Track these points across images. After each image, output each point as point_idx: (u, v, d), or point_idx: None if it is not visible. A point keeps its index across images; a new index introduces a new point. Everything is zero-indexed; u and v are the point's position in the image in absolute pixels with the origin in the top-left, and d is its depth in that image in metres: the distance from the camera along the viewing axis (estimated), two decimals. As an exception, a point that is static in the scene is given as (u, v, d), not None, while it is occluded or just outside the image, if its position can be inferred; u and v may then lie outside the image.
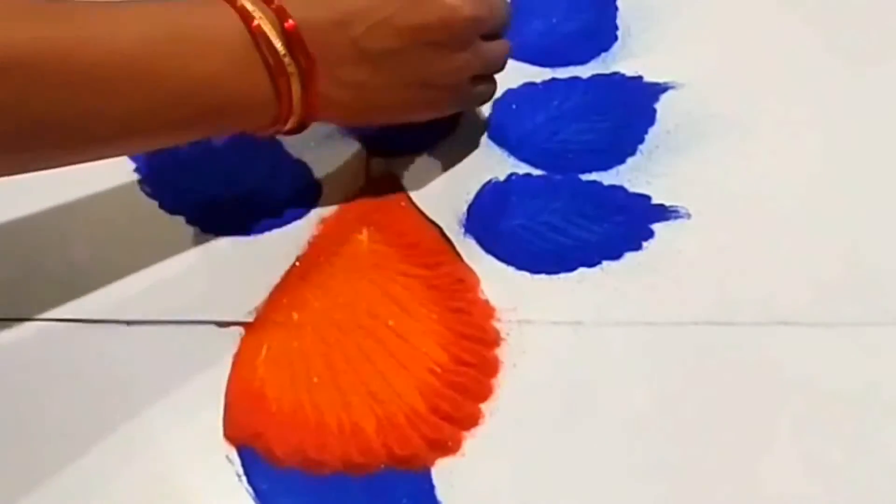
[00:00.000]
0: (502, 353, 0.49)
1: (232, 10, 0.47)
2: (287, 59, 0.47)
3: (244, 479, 0.45)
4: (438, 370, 0.48)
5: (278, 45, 0.47)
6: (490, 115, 0.59)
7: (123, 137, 0.47)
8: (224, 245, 0.53)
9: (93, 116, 0.44)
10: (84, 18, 0.44)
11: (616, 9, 0.65)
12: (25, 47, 0.42)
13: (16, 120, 0.43)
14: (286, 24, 0.47)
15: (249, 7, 0.47)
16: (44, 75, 0.42)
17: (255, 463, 0.46)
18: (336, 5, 0.49)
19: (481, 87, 0.56)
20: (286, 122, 0.49)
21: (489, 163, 0.57)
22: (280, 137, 0.56)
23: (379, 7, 0.49)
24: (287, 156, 0.57)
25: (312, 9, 0.48)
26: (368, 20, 0.49)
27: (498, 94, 0.60)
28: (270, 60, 0.47)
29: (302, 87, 0.48)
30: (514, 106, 0.59)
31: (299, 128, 0.51)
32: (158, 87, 0.45)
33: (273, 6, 0.47)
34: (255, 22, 0.46)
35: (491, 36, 0.54)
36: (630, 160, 0.57)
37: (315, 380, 0.48)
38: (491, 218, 0.54)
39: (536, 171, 0.57)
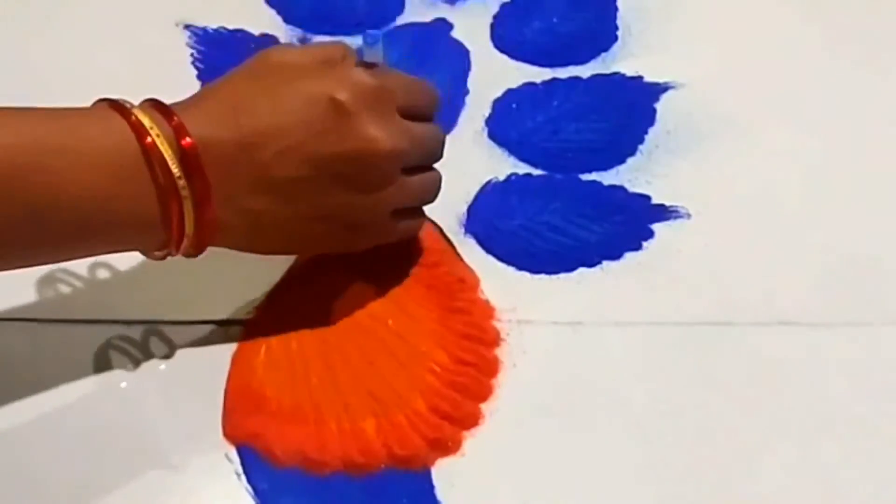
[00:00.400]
0: (502, 353, 0.49)
1: (125, 124, 0.43)
2: (181, 182, 0.43)
3: (244, 478, 0.45)
4: (438, 370, 0.48)
5: (173, 165, 0.43)
6: (490, 115, 0.59)
7: None
8: (224, 245, 0.53)
9: None
10: None
11: (616, 9, 0.65)
12: None
13: None
14: (183, 143, 0.43)
15: (146, 122, 0.43)
16: None
17: (254, 462, 0.46)
18: (243, 125, 0.44)
19: (404, 223, 0.51)
20: (178, 246, 0.45)
21: (489, 163, 0.57)
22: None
23: (289, 131, 0.45)
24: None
25: (216, 128, 0.44)
26: (276, 145, 0.45)
27: (498, 93, 0.60)
28: (161, 180, 0.43)
29: (195, 210, 0.44)
30: (514, 106, 0.60)
31: (194, 252, 0.46)
32: (25, 200, 0.41)
33: (173, 122, 0.43)
34: (149, 139, 0.42)
35: (418, 168, 0.50)
36: (630, 160, 0.57)
37: (315, 380, 0.48)
38: (491, 218, 0.54)
39: (536, 171, 0.57)
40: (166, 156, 0.43)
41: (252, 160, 0.45)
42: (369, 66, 0.48)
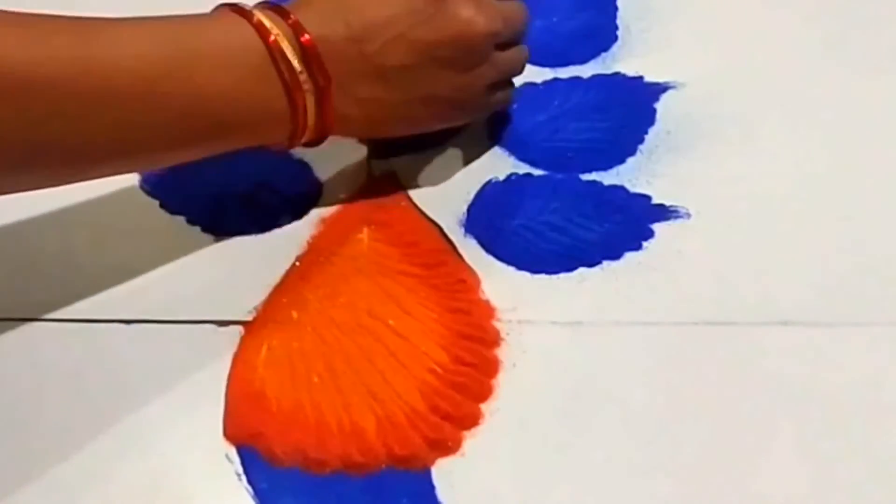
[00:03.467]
0: (502, 353, 0.49)
1: (248, 25, 0.47)
2: (303, 76, 0.47)
3: (244, 478, 0.45)
4: (438, 370, 0.48)
5: (294, 61, 0.47)
6: (490, 114, 0.59)
7: (134, 155, 0.47)
8: (224, 245, 0.53)
9: (103, 135, 0.44)
10: (93, 35, 0.44)
11: (616, 8, 0.65)
12: (32, 67, 0.41)
13: (23, 140, 0.42)
14: (302, 39, 0.47)
15: (267, 22, 0.47)
16: (51, 95, 0.42)
17: (254, 462, 0.46)
18: (351, 21, 0.49)
19: (498, 96, 0.56)
20: (301, 137, 0.49)
21: (489, 163, 0.57)
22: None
23: (393, 23, 0.49)
24: (287, 156, 0.57)
25: (328, 25, 0.48)
26: (383, 36, 0.49)
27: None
28: (287, 76, 0.47)
29: (317, 103, 0.48)
30: (514, 105, 0.60)
31: (316, 142, 0.51)
32: (169, 105, 0.45)
33: (289, 21, 0.47)
34: (272, 37, 0.46)
35: (508, 44, 0.54)
36: (630, 160, 0.57)
37: (315, 379, 0.48)
38: (491, 218, 0.54)
39: (537, 171, 0.57)
40: (288, 53, 0.46)
41: (362, 52, 0.49)
42: None
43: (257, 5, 0.48)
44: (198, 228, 0.54)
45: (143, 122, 0.45)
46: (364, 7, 0.49)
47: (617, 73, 0.61)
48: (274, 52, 0.47)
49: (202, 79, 0.45)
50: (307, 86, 0.47)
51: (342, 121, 0.50)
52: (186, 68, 0.45)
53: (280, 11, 0.48)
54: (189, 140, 0.47)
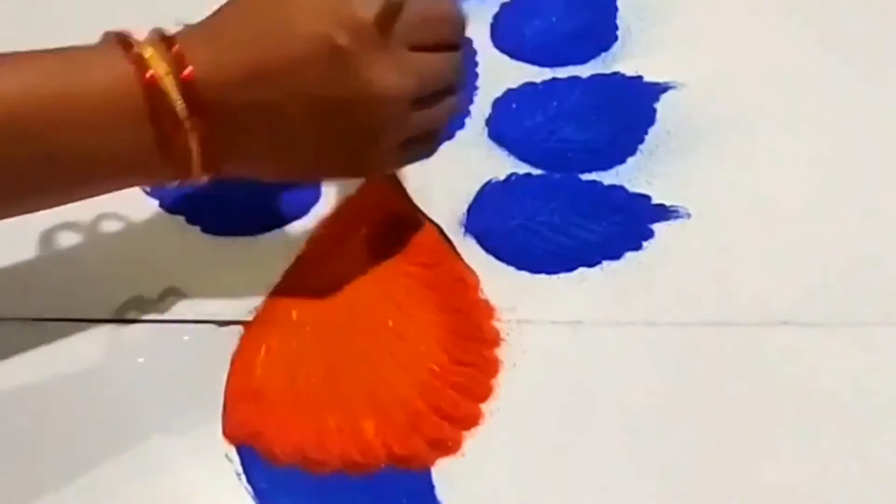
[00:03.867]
0: (502, 353, 0.49)
1: (126, 61, 0.43)
2: (184, 114, 0.43)
3: (243, 477, 0.45)
4: (438, 370, 0.48)
5: (175, 98, 0.43)
6: (490, 115, 0.59)
7: (6, 199, 0.43)
8: (224, 245, 0.53)
9: None
10: None
11: (616, 9, 0.65)
12: None
13: None
14: (183, 75, 0.43)
15: (147, 55, 0.43)
16: None
17: (254, 462, 0.46)
18: (247, 61, 0.44)
19: (415, 151, 0.50)
20: (185, 177, 0.45)
21: (489, 163, 0.57)
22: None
23: (296, 74, 0.44)
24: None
25: (221, 59, 0.44)
26: (283, 88, 0.44)
27: (498, 93, 0.60)
28: (165, 116, 0.43)
29: (200, 145, 0.44)
30: (514, 106, 0.60)
31: (204, 180, 0.46)
32: (35, 149, 0.42)
33: (173, 51, 0.43)
34: (149, 74, 0.42)
35: (432, 98, 0.48)
36: (630, 160, 0.57)
37: (314, 379, 0.48)
38: (491, 218, 0.54)
39: (536, 171, 0.57)
40: (168, 90, 0.43)
41: (256, 99, 0.44)
42: None
43: (150, 33, 0.45)
44: (198, 228, 0.54)
45: (18, 163, 0.42)
46: (265, 44, 0.44)
47: (616, 73, 0.61)
48: (151, 91, 0.43)
49: (70, 120, 0.42)
50: (188, 124, 0.43)
51: (229, 164, 0.46)
52: (62, 106, 0.42)
53: (167, 41, 0.44)
54: (55, 184, 0.44)
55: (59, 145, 0.42)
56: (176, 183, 0.46)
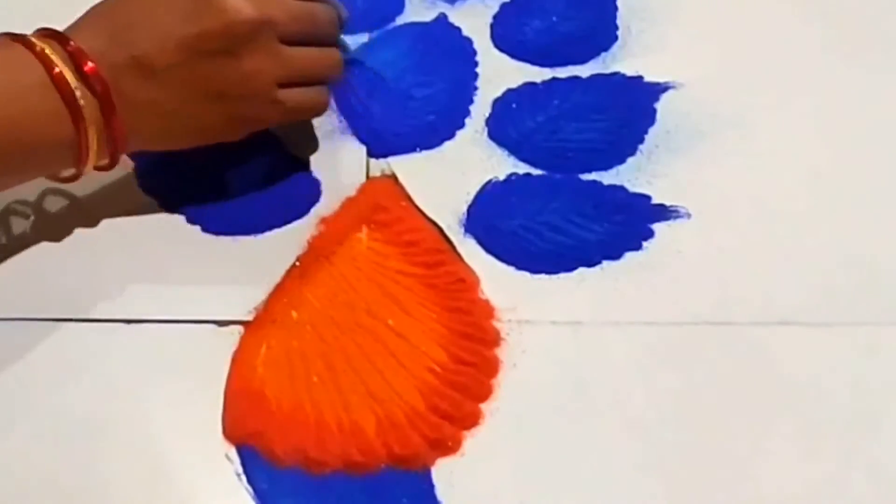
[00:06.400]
0: (502, 352, 0.49)
1: (32, 57, 0.46)
2: (83, 102, 0.47)
3: (244, 478, 0.45)
4: (438, 370, 0.48)
5: (77, 89, 0.46)
6: (490, 114, 0.59)
7: None
8: (224, 245, 0.53)
9: None
10: None
11: (616, 9, 0.65)
12: None
13: None
14: (86, 68, 0.47)
15: (48, 51, 0.46)
16: None
17: (254, 462, 0.46)
18: (114, 26, 0.48)
19: (295, 94, 0.53)
20: (90, 160, 0.49)
21: (489, 163, 0.57)
22: (281, 136, 0.56)
23: (157, 23, 0.48)
24: (287, 155, 0.57)
25: (96, 37, 0.48)
26: (150, 38, 0.48)
27: (498, 93, 0.60)
28: (70, 105, 0.46)
29: (105, 124, 0.48)
30: (514, 106, 0.59)
31: (111, 162, 0.50)
32: None
33: (69, 48, 0.47)
34: (56, 69, 0.46)
35: (303, 44, 0.53)
36: (630, 160, 0.57)
37: (315, 379, 0.48)
38: (491, 218, 0.54)
39: (536, 171, 0.57)
40: (71, 82, 0.46)
41: (133, 57, 0.48)
42: None
43: (37, 32, 0.48)
44: (198, 228, 0.54)
45: None
46: (130, 13, 0.49)
47: (616, 73, 0.61)
48: (58, 83, 0.46)
49: None
50: (88, 108, 0.47)
51: (134, 134, 0.49)
52: None
53: (59, 38, 0.47)
54: None
55: None
56: (77, 169, 0.49)
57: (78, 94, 0.47)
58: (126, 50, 0.48)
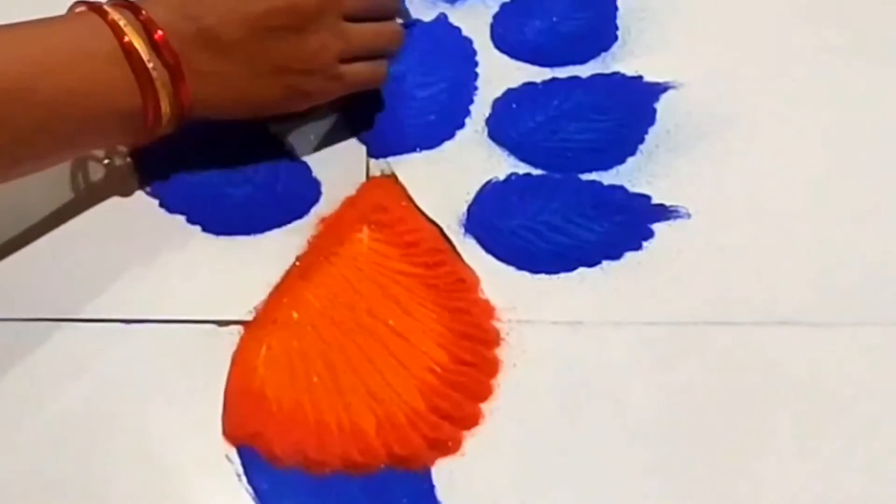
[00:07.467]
0: (502, 352, 0.49)
1: (104, 24, 0.48)
2: (155, 73, 0.48)
3: (244, 478, 0.45)
4: (438, 370, 0.48)
5: (146, 56, 0.48)
6: (490, 114, 0.59)
7: (9, 158, 0.47)
8: (224, 245, 0.53)
9: None
10: None
11: (616, 8, 0.65)
12: None
13: None
14: (155, 36, 0.49)
15: (120, 21, 0.48)
16: None
17: (254, 462, 0.46)
18: (186, 2, 0.50)
19: (356, 68, 0.55)
20: (159, 124, 0.50)
21: (489, 163, 0.57)
22: (281, 136, 0.56)
23: None
24: (287, 155, 0.57)
25: (166, 9, 0.49)
26: (216, 12, 0.50)
27: (498, 93, 0.60)
28: (141, 73, 0.48)
29: (173, 89, 0.49)
30: (514, 105, 0.60)
31: (177, 126, 0.51)
32: (32, 107, 0.46)
33: (141, 17, 0.49)
34: (126, 38, 0.48)
35: (366, 20, 0.55)
36: (630, 160, 0.57)
37: (315, 379, 0.48)
38: (491, 218, 0.54)
39: (536, 171, 0.57)
40: (141, 50, 0.48)
41: (200, 29, 0.50)
42: None
43: (110, 2, 0.50)
44: (198, 228, 0.54)
45: (19, 124, 0.46)
46: None
47: (616, 73, 0.61)
48: (128, 51, 0.48)
49: (65, 77, 0.47)
50: (160, 80, 0.49)
51: (199, 104, 0.51)
52: (52, 67, 0.46)
53: (132, 8, 0.49)
54: (61, 138, 0.48)
55: (49, 102, 0.46)
56: (147, 133, 0.51)
57: (150, 64, 0.48)
58: (194, 23, 0.49)
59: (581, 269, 0.52)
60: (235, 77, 0.51)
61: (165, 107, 0.50)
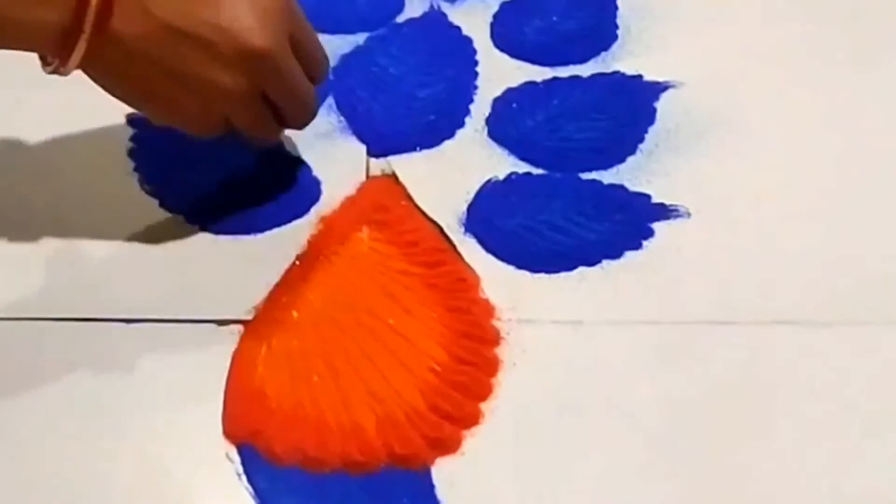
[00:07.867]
0: (502, 352, 0.49)
1: None
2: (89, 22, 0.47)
3: (244, 477, 0.45)
4: (439, 369, 0.48)
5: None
6: (490, 114, 0.59)
7: None
8: (224, 244, 0.53)
9: None
10: None
11: (616, 8, 0.65)
12: None
13: None
14: None
15: None
16: None
17: (254, 461, 0.45)
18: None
19: (264, 116, 0.53)
20: (77, 55, 0.48)
21: (489, 162, 0.57)
22: (281, 136, 0.56)
23: None
24: (287, 155, 0.57)
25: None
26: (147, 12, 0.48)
27: (498, 93, 0.60)
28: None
29: (95, 22, 0.47)
30: (514, 105, 0.60)
31: (84, 60, 0.49)
32: None
33: None
34: None
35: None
36: (630, 159, 0.57)
37: (315, 378, 0.48)
38: (491, 217, 0.54)
39: (536, 170, 0.57)
40: None
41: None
42: None
43: None
44: (197, 228, 0.54)
45: None
46: None
47: (616, 73, 0.61)
48: None
49: None
50: (88, 31, 0.47)
51: (101, 57, 0.48)
52: None
53: None
54: None
55: None
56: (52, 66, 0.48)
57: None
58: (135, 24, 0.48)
59: (581, 269, 0.52)
60: (146, 61, 0.48)
61: (82, 41, 0.47)
